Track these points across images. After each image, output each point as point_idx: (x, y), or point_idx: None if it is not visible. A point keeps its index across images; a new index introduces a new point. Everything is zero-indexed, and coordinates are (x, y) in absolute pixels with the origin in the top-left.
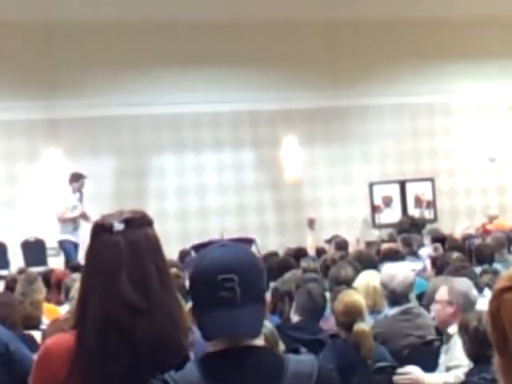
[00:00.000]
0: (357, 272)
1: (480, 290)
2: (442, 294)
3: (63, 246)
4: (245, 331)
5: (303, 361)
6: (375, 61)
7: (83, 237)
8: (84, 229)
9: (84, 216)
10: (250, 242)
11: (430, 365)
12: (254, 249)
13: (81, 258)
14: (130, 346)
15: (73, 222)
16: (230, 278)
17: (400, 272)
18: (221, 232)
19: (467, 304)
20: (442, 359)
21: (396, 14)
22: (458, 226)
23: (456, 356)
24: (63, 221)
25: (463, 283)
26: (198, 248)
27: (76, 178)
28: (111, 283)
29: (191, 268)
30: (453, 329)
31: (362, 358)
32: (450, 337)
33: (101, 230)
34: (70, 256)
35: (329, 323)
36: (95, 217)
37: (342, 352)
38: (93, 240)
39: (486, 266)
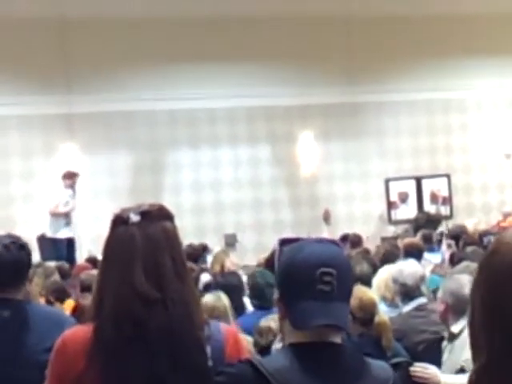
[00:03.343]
0: (374, 269)
1: None
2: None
3: (57, 244)
4: (338, 323)
5: (381, 366)
6: (391, 57)
7: (78, 233)
8: (77, 225)
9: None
10: (334, 243)
11: None
12: None
13: (77, 252)
14: (145, 337)
15: (65, 217)
16: (330, 273)
17: (409, 267)
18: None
19: (458, 303)
20: (446, 358)
21: (411, 11)
22: (467, 222)
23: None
24: (54, 215)
25: (456, 281)
26: (285, 242)
27: (69, 176)
28: (125, 274)
29: (284, 259)
30: (456, 328)
31: (381, 351)
32: (454, 336)
33: (118, 221)
34: (61, 254)
35: None
36: (111, 212)
37: (361, 347)
38: (110, 232)
39: None
